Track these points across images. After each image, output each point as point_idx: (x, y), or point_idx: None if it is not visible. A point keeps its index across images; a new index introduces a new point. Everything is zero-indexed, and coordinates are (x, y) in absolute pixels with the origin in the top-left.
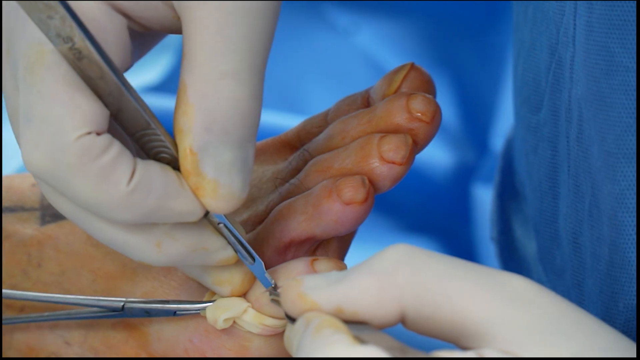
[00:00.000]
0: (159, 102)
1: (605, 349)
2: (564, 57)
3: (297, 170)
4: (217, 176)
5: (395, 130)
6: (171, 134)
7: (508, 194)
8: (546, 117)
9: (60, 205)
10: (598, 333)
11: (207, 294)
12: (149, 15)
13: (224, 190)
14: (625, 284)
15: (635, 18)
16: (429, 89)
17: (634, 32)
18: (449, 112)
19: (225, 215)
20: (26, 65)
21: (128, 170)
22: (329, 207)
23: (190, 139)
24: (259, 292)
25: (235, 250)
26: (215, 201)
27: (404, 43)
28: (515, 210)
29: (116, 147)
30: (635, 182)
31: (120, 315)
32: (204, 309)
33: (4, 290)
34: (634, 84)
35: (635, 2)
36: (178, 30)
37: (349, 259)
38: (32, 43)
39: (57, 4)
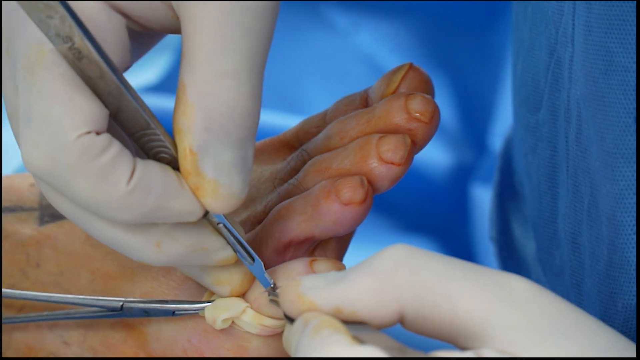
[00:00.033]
0: (157, 102)
1: (605, 349)
2: (562, 57)
3: (295, 171)
4: (216, 176)
5: (394, 131)
6: (170, 134)
7: (507, 194)
8: (545, 117)
9: (60, 205)
10: (597, 333)
11: (205, 294)
12: (148, 14)
13: (223, 190)
14: (624, 284)
15: (634, 18)
16: (427, 89)
17: (633, 32)
18: (447, 112)
19: (224, 216)
20: (26, 64)
21: (128, 169)
22: (327, 208)
23: (189, 139)
24: (258, 292)
25: (235, 251)
26: (215, 201)
27: (402, 43)
28: (514, 210)
29: (116, 146)
30: (634, 182)
31: (119, 315)
32: (202, 309)
33: (3, 290)
34: (633, 83)
35: (635, 2)
36: (177, 30)
37: (347, 259)
38: (31, 43)
39: (57, 4)
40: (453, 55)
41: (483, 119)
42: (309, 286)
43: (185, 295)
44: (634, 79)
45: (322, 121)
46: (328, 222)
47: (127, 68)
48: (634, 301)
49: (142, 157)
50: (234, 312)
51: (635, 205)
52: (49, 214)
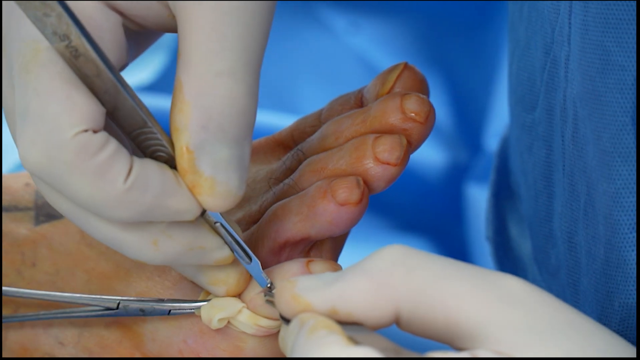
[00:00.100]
0: (152, 102)
1: (602, 349)
2: (558, 56)
3: (291, 170)
4: (213, 174)
5: (390, 131)
6: (167, 132)
7: (503, 194)
8: (541, 116)
9: (57, 203)
10: (593, 333)
11: (201, 293)
12: (144, 13)
13: (220, 188)
14: (621, 283)
15: (631, 17)
16: (422, 88)
17: (630, 31)
18: (442, 112)
19: (222, 215)
20: (22, 63)
21: (125, 168)
22: (323, 208)
23: (186, 137)
24: (254, 292)
25: (232, 250)
26: (212, 199)
27: (397, 43)
28: (510, 210)
29: (113, 144)
30: (631, 181)
31: (116, 314)
32: (198, 308)
33: (4, 288)
34: (630, 82)
35: (635, 2)
36: (173, 29)
37: (342, 259)
38: (27, 41)
39: (54, 2)
40: (447, 55)
41: (478, 119)
42: (305, 287)
43: (181, 295)
44: (631, 77)
45: (317, 121)
46: (324, 222)
47: (123, 67)
48: (631, 300)
49: (139, 156)
50: (230, 312)
51: (634, 205)
52: (44, 214)
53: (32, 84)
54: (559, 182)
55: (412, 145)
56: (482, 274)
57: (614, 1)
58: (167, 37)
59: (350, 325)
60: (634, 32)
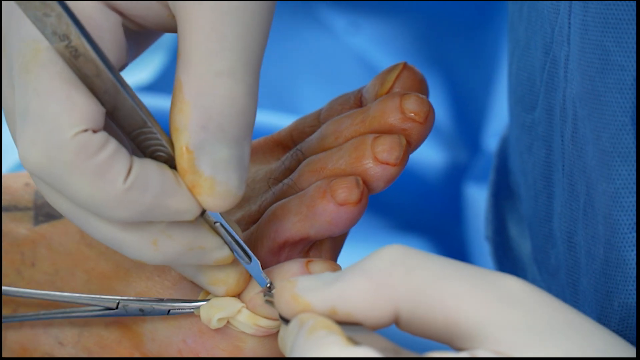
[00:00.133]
0: (151, 102)
1: (601, 349)
2: (558, 56)
3: (290, 170)
4: (213, 174)
5: (389, 131)
6: (167, 132)
7: (503, 193)
8: (540, 116)
9: (57, 202)
10: (592, 333)
11: (200, 293)
12: (144, 13)
13: (220, 188)
14: (620, 283)
15: (631, 17)
16: (421, 88)
17: (630, 31)
18: (441, 112)
19: (221, 215)
20: (21, 63)
21: (124, 167)
22: (323, 208)
23: (186, 137)
24: (254, 292)
25: (232, 250)
26: (212, 199)
27: (396, 43)
28: (510, 210)
29: (112, 144)
30: (630, 181)
31: (115, 313)
32: (198, 307)
33: (3, 288)
34: (629, 82)
35: (635, 2)
36: (173, 29)
37: (341, 259)
38: (27, 41)
39: (54, 2)
40: (447, 55)
41: (477, 119)
42: (304, 287)
43: (180, 295)
44: (631, 77)
45: (316, 121)
46: (323, 222)
47: (123, 67)
48: (631, 300)
49: (139, 156)
50: (230, 311)
51: (634, 204)
52: (43, 214)
53: (32, 84)
54: (559, 182)
55: (411, 145)
56: (481, 274)
57: (614, 1)
58: (167, 37)
59: (350, 326)
60: (634, 32)
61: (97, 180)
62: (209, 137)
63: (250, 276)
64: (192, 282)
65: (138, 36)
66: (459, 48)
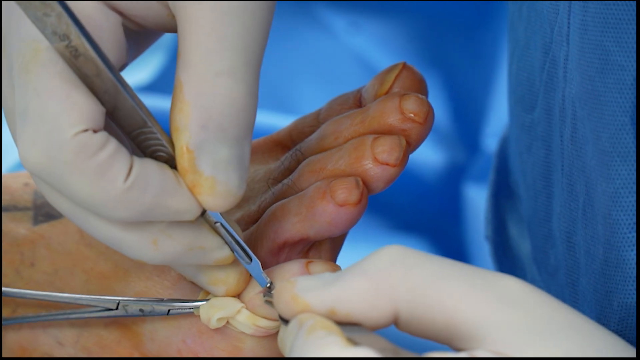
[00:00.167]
0: (150, 102)
1: (600, 349)
2: (557, 56)
3: (289, 170)
4: (214, 174)
5: (388, 131)
6: (167, 132)
7: (503, 193)
8: (540, 116)
9: (57, 202)
10: (592, 333)
11: (200, 293)
12: (144, 13)
13: (221, 188)
14: (619, 283)
15: (630, 17)
16: (421, 88)
17: (629, 31)
18: (440, 112)
19: (221, 215)
20: (22, 62)
21: (125, 167)
22: (322, 209)
23: (186, 137)
24: (253, 292)
25: (232, 250)
26: (212, 198)
27: (395, 43)
28: (510, 210)
29: (113, 144)
30: (630, 181)
31: (115, 314)
32: (197, 307)
33: (3, 289)
34: (629, 82)
35: (635, 2)
36: (173, 28)
37: (340, 259)
38: (27, 40)
39: (54, 2)
40: (446, 55)
41: (476, 119)
42: (304, 287)
43: (179, 295)
44: (631, 77)
45: (316, 121)
46: (323, 223)
47: (123, 66)
48: (630, 300)
49: (139, 156)
50: (229, 311)
51: (634, 204)
52: (42, 214)
53: (32, 84)
54: (558, 182)
55: (410, 146)
56: (480, 274)
57: (614, 1)
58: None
59: (349, 326)
60: (634, 31)
61: (97, 179)
62: (209, 136)
63: (250, 276)
64: (192, 282)
65: (138, 36)
66: (458, 48)
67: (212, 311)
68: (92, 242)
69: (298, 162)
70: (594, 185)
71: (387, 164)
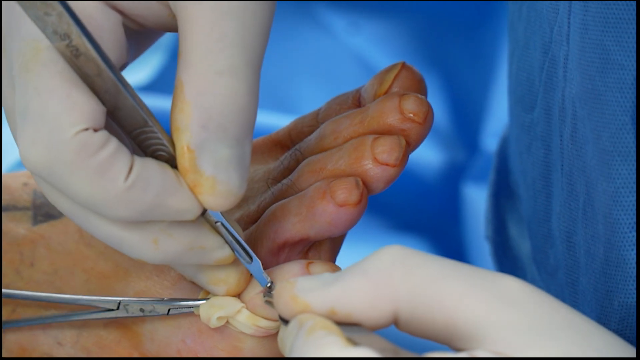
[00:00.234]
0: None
1: (601, 350)
2: (557, 55)
3: (289, 170)
4: (214, 173)
5: (388, 131)
6: (168, 131)
7: (503, 193)
8: (540, 116)
9: (58, 202)
10: (592, 333)
11: (200, 293)
12: (145, 13)
13: (222, 187)
14: (620, 282)
15: (631, 16)
16: (420, 88)
17: (630, 30)
18: (439, 112)
19: (222, 214)
20: (22, 62)
21: (125, 166)
22: (322, 209)
23: (187, 137)
24: (254, 292)
25: (233, 249)
26: (213, 198)
27: (395, 43)
28: (510, 210)
29: (113, 143)
30: (630, 180)
31: (116, 315)
32: (198, 306)
33: (4, 290)
34: (630, 81)
35: (635, 1)
36: (173, 28)
37: (340, 259)
38: (28, 40)
39: (55, 2)
40: (445, 55)
41: (475, 119)
42: (304, 288)
43: (179, 295)
44: (631, 76)
45: (315, 120)
46: (323, 223)
47: (124, 66)
48: (631, 299)
49: (140, 155)
50: (229, 311)
51: (634, 204)
52: (42, 214)
53: (33, 83)
54: (558, 181)
55: (410, 146)
56: (480, 275)
57: (614, 1)
58: (165, 37)
59: (349, 326)
60: (634, 31)
61: (98, 179)
62: (210, 136)
63: (251, 276)
64: (192, 282)
65: (138, 36)
66: (457, 48)
67: (212, 310)
68: (92, 241)
69: (297, 162)
70: (594, 185)
71: (387, 164)
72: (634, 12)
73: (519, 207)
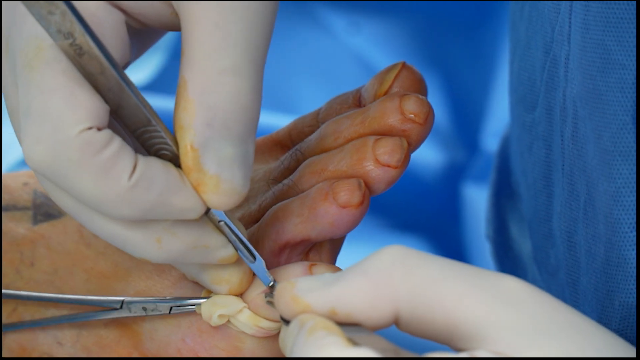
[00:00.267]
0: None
1: (602, 350)
2: (558, 55)
3: (289, 170)
4: (218, 172)
5: (389, 131)
6: (171, 130)
7: (504, 193)
8: (541, 116)
9: (61, 201)
10: (593, 333)
11: (202, 292)
12: (147, 12)
13: (225, 186)
14: (621, 282)
15: (632, 16)
16: (420, 88)
17: (631, 30)
18: (439, 112)
19: (225, 213)
20: (25, 60)
21: (129, 165)
22: (325, 210)
23: (191, 135)
24: (256, 293)
25: (236, 249)
26: (217, 197)
27: (395, 43)
28: (511, 209)
29: (117, 142)
30: (631, 180)
31: (119, 315)
32: (199, 304)
33: (4, 291)
34: (631, 81)
35: (635, 1)
36: (176, 27)
37: (340, 259)
38: (30, 38)
39: (58, 1)
40: (446, 55)
41: (475, 119)
42: (304, 288)
43: (180, 294)
44: (632, 76)
45: (315, 120)
46: (325, 224)
47: (127, 65)
48: (632, 299)
49: (143, 154)
50: (231, 310)
51: (634, 203)
52: (42, 213)
53: (36, 82)
54: (558, 181)
55: (411, 146)
56: (481, 275)
57: (615, 0)
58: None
59: (350, 326)
60: (635, 31)
61: (101, 177)
62: (213, 134)
63: (253, 276)
64: (192, 282)
65: (141, 34)
66: (457, 48)
67: (214, 308)
68: (92, 241)
69: (298, 162)
70: (595, 185)
71: (389, 166)
72: (634, 12)
73: (520, 206)
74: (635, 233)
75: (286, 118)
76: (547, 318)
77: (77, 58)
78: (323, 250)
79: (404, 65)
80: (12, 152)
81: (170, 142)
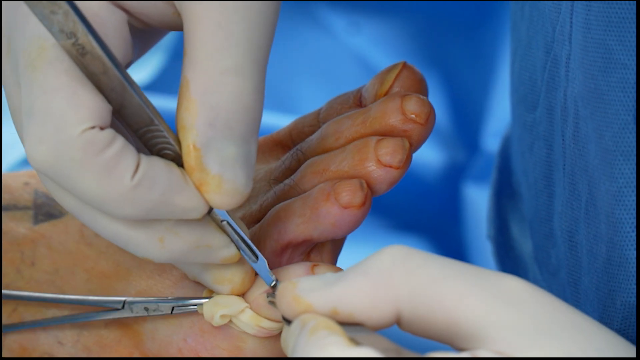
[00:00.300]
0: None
1: (602, 349)
2: (559, 55)
3: (290, 170)
4: (221, 171)
5: (390, 132)
6: (174, 130)
7: (505, 193)
8: (542, 116)
9: (64, 200)
10: (594, 333)
11: (204, 292)
12: (149, 11)
13: (228, 186)
14: (623, 282)
15: (633, 16)
16: (421, 88)
17: (632, 30)
18: (440, 112)
19: (228, 213)
20: (28, 60)
21: (132, 164)
22: (327, 211)
23: (193, 135)
24: (258, 293)
25: (238, 248)
26: (219, 196)
27: (395, 43)
28: (512, 209)
29: (120, 141)
30: (633, 180)
31: (121, 315)
32: (201, 304)
33: (4, 291)
34: (632, 81)
35: (635, 1)
36: (178, 27)
37: (341, 259)
38: (33, 38)
39: (61, 1)
40: (446, 55)
41: (476, 119)
42: (306, 288)
43: (181, 294)
44: (633, 76)
45: (316, 120)
46: (327, 224)
47: (129, 64)
48: (633, 299)
49: (146, 154)
50: (233, 310)
51: (635, 203)
52: (43, 213)
53: (38, 82)
54: (559, 181)
55: (412, 146)
56: (482, 274)
57: (617, 0)
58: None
59: (351, 326)
60: (636, 30)
61: (104, 177)
62: (216, 134)
63: (256, 276)
64: (194, 282)
65: (143, 34)
66: (458, 48)
67: (216, 308)
68: (93, 241)
69: (299, 162)
70: (596, 184)
71: (391, 166)
72: (635, 12)
73: (521, 206)
74: (636, 233)
75: (287, 118)
76: (549, 318)
77: (79, 58)
78: (324, 251)
79: (404, 65)
80: (13, 152)
81: (172, 142)
